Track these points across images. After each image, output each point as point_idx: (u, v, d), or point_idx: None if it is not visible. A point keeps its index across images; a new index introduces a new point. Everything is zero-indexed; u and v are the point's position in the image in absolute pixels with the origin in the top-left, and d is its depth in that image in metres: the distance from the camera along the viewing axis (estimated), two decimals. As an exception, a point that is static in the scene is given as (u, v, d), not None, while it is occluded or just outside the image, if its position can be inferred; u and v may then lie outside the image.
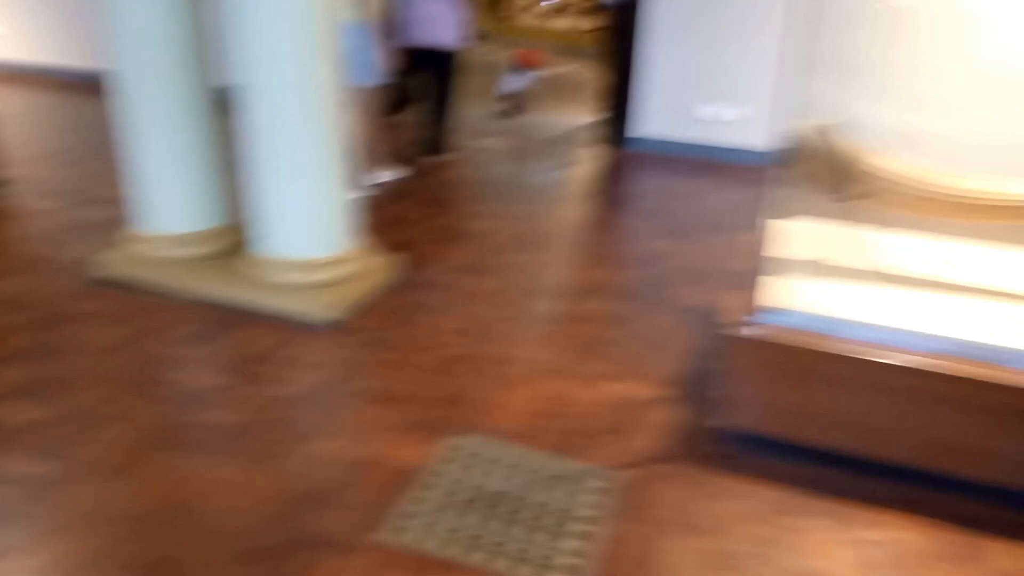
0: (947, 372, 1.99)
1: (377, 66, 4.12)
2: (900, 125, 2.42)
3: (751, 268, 2.62)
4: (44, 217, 3.78)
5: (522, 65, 6.38)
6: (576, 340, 2.87)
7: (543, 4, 11.73)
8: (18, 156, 4.52)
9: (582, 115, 6.50)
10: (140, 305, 2.96)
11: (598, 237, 3.94)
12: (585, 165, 5.13)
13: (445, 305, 3.08)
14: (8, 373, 2.50)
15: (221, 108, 3.11)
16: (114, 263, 3.13)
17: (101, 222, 3.72)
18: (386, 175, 4.47)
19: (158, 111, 2.94)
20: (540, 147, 5.56)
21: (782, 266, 2.34)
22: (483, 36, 4.78)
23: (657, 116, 5.24)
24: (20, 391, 2.41)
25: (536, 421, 2.37)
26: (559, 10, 12.54)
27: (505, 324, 2.97)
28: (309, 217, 2.90)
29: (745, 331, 2.15)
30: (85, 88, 6.39)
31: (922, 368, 2.00)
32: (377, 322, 2.92)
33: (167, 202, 3.07)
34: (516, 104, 6.43)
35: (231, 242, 3.20)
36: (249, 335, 2.79)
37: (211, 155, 3.10)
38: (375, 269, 3.17)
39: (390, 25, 4.32)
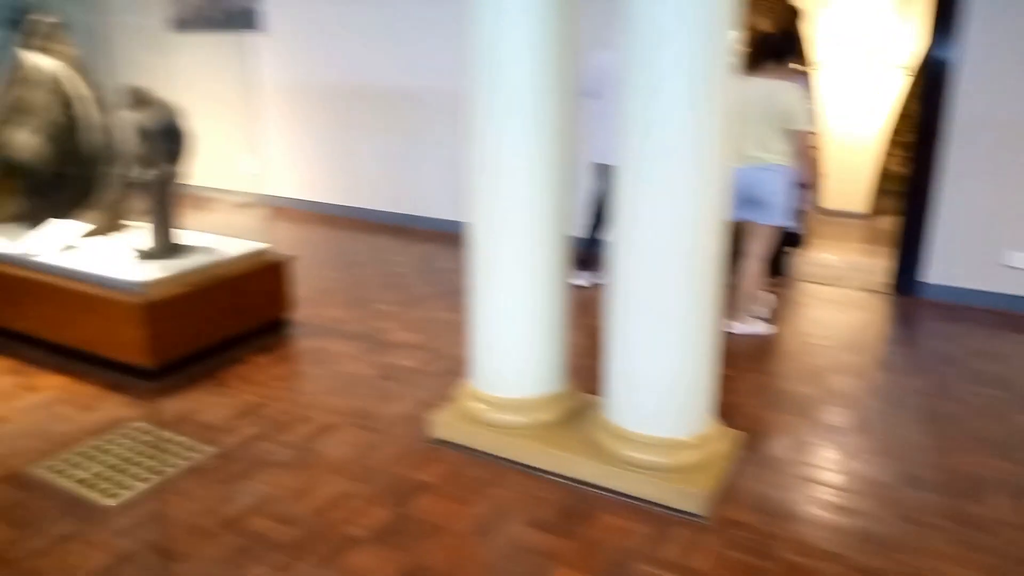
0: None
1: (792, 209, 4.05)
2: None
3: None
4: (346, 362, 3.73)
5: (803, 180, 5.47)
6: (1012, 554, 2.35)
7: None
8: (297, 294, 4.49)
9: (857, 254, 5.96)
10: (483, 476, 2.76)
11: (943, 409, 3.40)
12: (876, 314, 4.64)
13: (816, 496, 2.66)
14: (379, 558, 2.30)
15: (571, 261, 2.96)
16: (449, 425, 2.96)
17: (410, 370, 3.63)
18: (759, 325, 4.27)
19: (513, 265, 2.80)
20: (821, 292, 5.12)
21: None
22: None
23: (954, 262, 4.71)
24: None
25: None
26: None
27: (906, 527, 2.50)
28: (679, 390, 2.61)
29: None
30: (348, 224, 6.64)
31: None
32: (747, 516, 2.54)
33: (512, 362, 2.89)
34: (795, 238, 5.37)
35: (571, 408, 2.97)
36: (613, 525, 2.48)
37: (562, 313, 2.91)
38: (724, 446, 2.81)
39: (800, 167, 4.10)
